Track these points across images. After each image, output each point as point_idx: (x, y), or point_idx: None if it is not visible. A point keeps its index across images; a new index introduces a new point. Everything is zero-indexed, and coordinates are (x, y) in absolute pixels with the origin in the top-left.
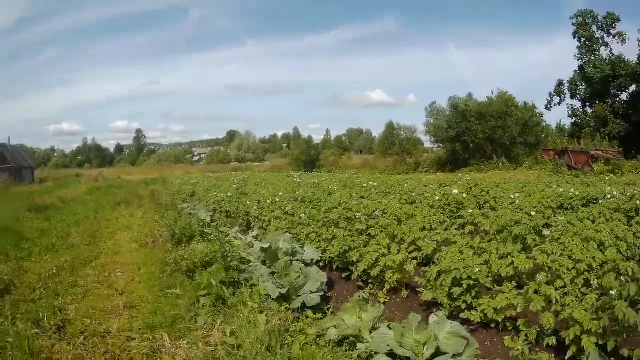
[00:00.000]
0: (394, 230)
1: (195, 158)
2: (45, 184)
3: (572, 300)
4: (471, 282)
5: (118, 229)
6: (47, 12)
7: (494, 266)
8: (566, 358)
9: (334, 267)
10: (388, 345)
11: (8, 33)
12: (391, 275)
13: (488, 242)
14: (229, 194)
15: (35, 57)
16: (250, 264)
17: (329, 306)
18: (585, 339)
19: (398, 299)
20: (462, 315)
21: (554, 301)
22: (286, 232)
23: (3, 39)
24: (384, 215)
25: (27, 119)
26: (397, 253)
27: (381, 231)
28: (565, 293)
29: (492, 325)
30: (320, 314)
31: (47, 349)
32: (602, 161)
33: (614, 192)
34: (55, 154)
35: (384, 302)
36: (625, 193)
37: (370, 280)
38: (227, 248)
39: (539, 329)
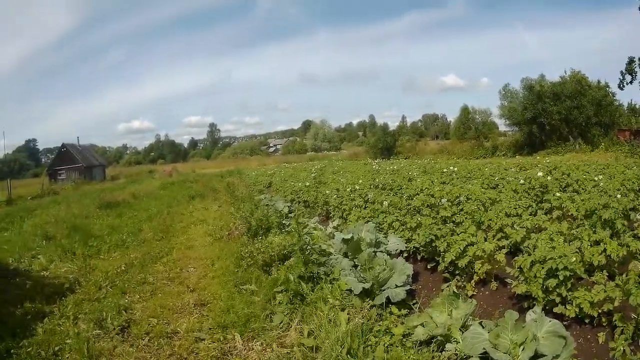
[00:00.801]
0: (480, 217)
1: (272, 149)
2: (118, 181)
3: None
4: (568, 273)
5: (192, 223)
6: (117, 11)
7: (587, 254)
8: None
9: (419, 258)
10: (482, 347)
11: (78, 33)
12: (480, 266)
13: (577, 227)
14: (307, 184)
15: (104, 57)
16: (331, 257)
17: (415, 301)
18: None
19: (487, 292)
20: (555, 309)
21: None
22: (368, 221)
23: (74, 39)
24: (468, 201)
25: (97, 119)
26: (485, 242)
27: (467, 218)
28: None
29: (587, 321)
30: (405, 310)
31: (108, 351)
32: None
33: None
34: (128, 152)
35: (472, 296)
36: None
37: (457, 272)
38: (307, 240)
39: (635, 325)
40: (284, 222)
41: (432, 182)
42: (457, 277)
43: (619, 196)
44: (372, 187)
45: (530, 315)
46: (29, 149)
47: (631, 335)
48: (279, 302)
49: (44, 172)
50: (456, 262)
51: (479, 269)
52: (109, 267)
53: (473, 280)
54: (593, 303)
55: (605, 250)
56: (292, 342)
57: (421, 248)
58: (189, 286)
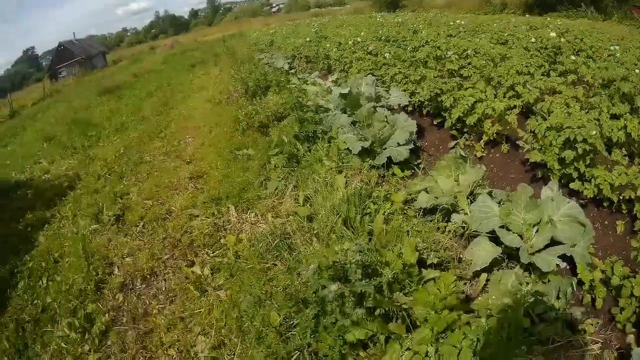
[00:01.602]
0: (489, 72)
1: (274, 9)
2: (120, 64)
3: None
4: (587, 146)
5: (192, 92)
6: None
7: (606, 128)
8: None
9: (424, 113)
10: (491, 225)
11: None
12: (490, 126)
13: (593, 96)
14: (308, 39)
15: None
16: (328, 114)
17: (419, 161)
18: None
19: (497, 154)
20: (572, 185)
21: None
22: (369, 74)
23: None
24: (476, 55)
25: (92, 10)
26: (495, 99)
27: (475, 73)
28: None
29: (605, 205)
30: (409, 170)
31: (104, 246)
32: None
33: None
34: (129, 34)
35: (480, 157)
36: None
37: (465, 130)
38: (302, 97)
39: None
40: (282, 79)
41: (438, 34)
42: (466, 135)
43: (637, 71)
44: (375, 39)
45: (545, 192)
46: (29, 58)
47: None
48: (274, 166)
49: (45, 76)
50: (464, 119)
51: (489, 129)
52: (108, 154)
53: (482, 140)
54: (613, 186)
55: (625, 126)
56: (287, 210)
57: (426, 102)
58: (185, 159)
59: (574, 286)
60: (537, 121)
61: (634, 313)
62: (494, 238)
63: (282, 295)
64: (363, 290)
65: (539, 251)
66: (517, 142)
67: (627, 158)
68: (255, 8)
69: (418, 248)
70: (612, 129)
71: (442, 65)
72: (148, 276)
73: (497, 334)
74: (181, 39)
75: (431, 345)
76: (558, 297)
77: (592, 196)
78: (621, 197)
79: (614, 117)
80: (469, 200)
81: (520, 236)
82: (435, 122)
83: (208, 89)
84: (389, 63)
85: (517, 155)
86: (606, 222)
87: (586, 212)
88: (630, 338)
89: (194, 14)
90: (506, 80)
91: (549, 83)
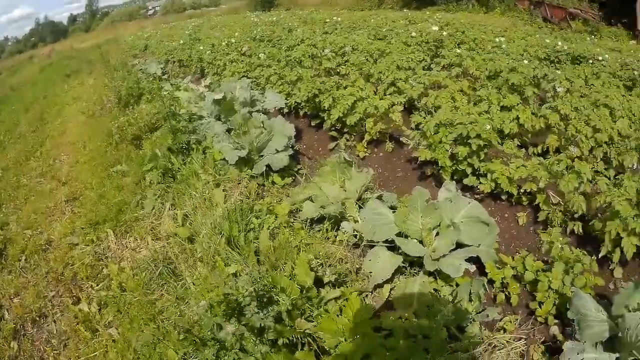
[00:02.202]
0: (369, 69)
1: (150, 12)
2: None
3: (607, 184)
4: (481, 142)
5: (67, 104)
6: None
7: (497, 120)
8: (599, 256)
9: (302, 114)
10: (387, 233)
11: None
12: (372, 125)
13: (480, 89)
14: (182, 42)
15: None
16: (203, 121)
17: (299, 167)
18: (626, 239)
19: (382, 153)
20: (466, 181)
21: (585, 180)
22: (243, 77)
23: None
24: (354, 51)
25: None
26: (376, 96)
27: (354, 70)
28: (597, 172)
29: (504, 198)
30: (289, 177)
31: None
32: (580, 20)
33: (606, 55)
34: (10, 43)
35: (364, 158)
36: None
37: (346, 130)
38: (175, 106)
39: (562, 211)
40: (155, 86)
41: (313, 32)
42: (347, 135)
43: (525, 61)
44: (249, 39)
45: (443, 193)
46: None
47: (559, 223)
48: (150, 183)
49: None
50: (344, 119)
51: (371, 128)
52: None
53: (365, 140)
54: (512, 180)
55: (518, 117)
56: (166, 231)
57: (303, 103)
58: (60, 179)
59: (485, 286)
60: (423, 117)
61: (554, 305)
62: (392, 247)
63: (176, 333)
64: (262, 325)
65: (444, 256)
66: (401, 140)
67: (522, 149)
68: (131, 11)
69: (312, 266)
70: (504, 121)
71: (318, 64)
72: (38, 318)
73: (419, 355)
74: (59, 46)
75: None
76: (470, 300)
77: (489, 191)
78: (520, 190)
79: (504, 108)
80: (357, 206)
81: (421, 242)
82: (313, 124)
83: (82, 100)
84: (264, 64)
85: (403, 152)
86: (506, 215)
87: (484, 207)
88: (554, 329)
89: (73, 19)
90: (387, 77)
91: (433, 77)
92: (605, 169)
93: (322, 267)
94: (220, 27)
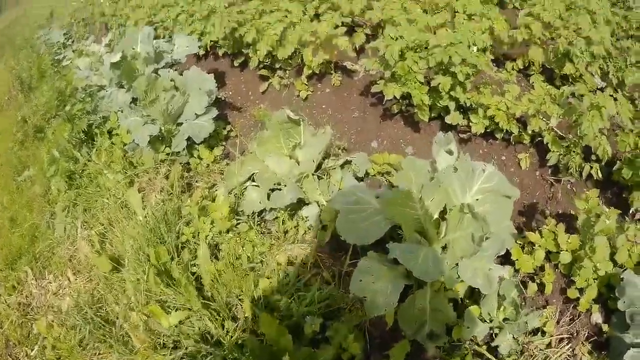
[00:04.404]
0: None
1: None
2: None
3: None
4: (468, 70)
5: None
6: None
7: (465, 34)
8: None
9: (221, 54)
10: (377, 233)
11: None
12: (311, 57)
13: None
14: None
15: None
16: (105, 93)
17: (229, 128)
18: None
19: (327, 89)
20: (448, 119)
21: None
22: (147, 24)
23: None
24: None
25: None
26: (306, 17)
27: None
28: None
29: (498, 137)
30: (220, 148)
31: None
32: None
33: None
34: None
35: (306, 98)
36: None
37: (278, 66)
38: (65, 84)
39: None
40: (57, 58)
41: None
42: (280, 72)
43: None
44: None
45: (442, 155)
46: None
47: (576, 167)
48: (57, 192)
49: None
50: (274, 53)
51: (311, 61)
52: None
53: (304, 75)
54: (511, 115)
55: (492, 28)
56: (86, 261)
57: (221, 41)
58: None
59: (520, 287)
60: (384, 41)
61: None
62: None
63: None
64: None
65: (462, 259)
66: (349, 68)
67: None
68: None
69: (278, 299)
70: (474, 33)
71: None
72: None
73: None
74: None
75: None
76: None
77: (482, 131)
78: (520, 128)
79: (477, 17)
80: (317, 178)
81: (424, 236)
82: (236, 64)
83: None
84: (170, 3)
85: (354, 84)
86: (503, 158)
87: (474, 149)
88: (597, 318)
89: None
90: None
91: None
92: (601, 89)
93: (293, 298)
94: None
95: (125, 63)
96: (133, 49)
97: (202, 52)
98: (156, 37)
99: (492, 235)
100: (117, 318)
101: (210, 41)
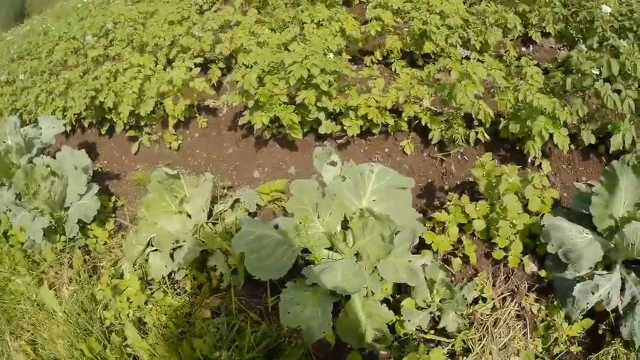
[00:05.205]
0: (141, 38)
1: None
2: None
3: (504, 78)
4: (330, 77)
5: None
6: None
7: (317, 44)
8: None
9: (87, 125)
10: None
11: None
12: (173, 105)
13: (277, 9)
14: None
15: None
16: None
17: (114, 199)
18: (557, 134)
19: (196, 134)
20: (321, 129)
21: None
22: (11, 115)
23: None
24: (117, 26)
25: None
26: (157, 67)
27: (124, 47)
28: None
29: (375, 132)
30: (111, 222)
31: None
32: None
33: None
34: None
35: (178, 148)
36: None
37: (143, 123)
38: None
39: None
40: None
41: (69, 24)
42: (147, 129)
43: None
44: (8, 62)
45: (327, 169)
46: None
47: (462, 137)
48: None
49: None
50: (137, 112)
51: (173, 110)
52: None
53: (170, 126)
54: (381, 108)
55: (342, 29)
56: None
57: (84, 112)
58: None
59: (445, 266)
60: (241, 71)
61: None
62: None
63: None
64: None
65: (378, 261)
66: (212, 108)
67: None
68: None
69: None
70: (327, 39)
71: (84, 57)
72: None
73: None
74: None
75: None
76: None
77: (359, 132)
78: (395, 117)
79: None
80: (212, 226)
81: (335, 251)
82: (103, 131)
83: None
84: (27, 85)
85: (221, 121)
86: (387, 150)
87: (354, 151)
88: (532, 267)
89: None
90: (164, 39)
91: (220, 18)
92: (467, 57)
93: (231, 349)
94: None
95: (0, 160)
96: (4, 142)
97: (69, 128)
98: (22, 124)
99: (401, 228)
100: None
101: (74, 114)
